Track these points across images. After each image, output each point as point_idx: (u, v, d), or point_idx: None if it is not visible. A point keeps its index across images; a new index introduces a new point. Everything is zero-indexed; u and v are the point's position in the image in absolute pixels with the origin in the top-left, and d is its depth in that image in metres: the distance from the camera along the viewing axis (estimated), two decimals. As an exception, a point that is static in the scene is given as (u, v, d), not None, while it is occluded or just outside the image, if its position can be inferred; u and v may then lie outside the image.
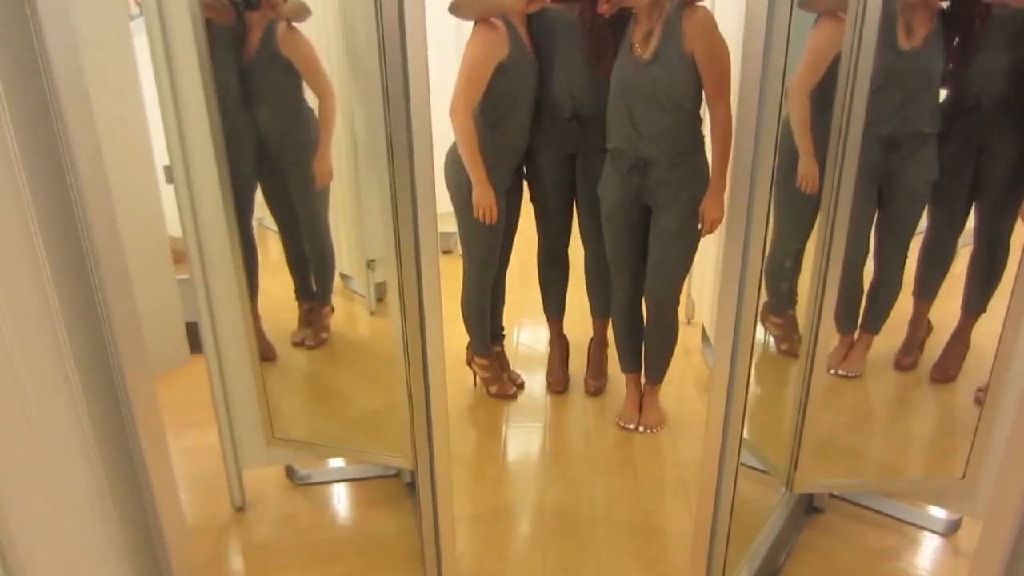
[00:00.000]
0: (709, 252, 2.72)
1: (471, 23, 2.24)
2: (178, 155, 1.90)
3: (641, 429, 2.57)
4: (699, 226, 2.22)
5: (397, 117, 1.53)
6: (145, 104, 2.51)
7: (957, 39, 2.04)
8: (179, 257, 2.63)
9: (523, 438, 2.57)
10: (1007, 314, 1.95)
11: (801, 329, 2.10)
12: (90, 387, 1.20)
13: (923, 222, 2.35)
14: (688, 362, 2.92)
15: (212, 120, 1.88)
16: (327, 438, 2.36)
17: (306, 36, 2.11)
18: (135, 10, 2.72)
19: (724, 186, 2.15)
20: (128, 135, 2.57)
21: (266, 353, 2.50)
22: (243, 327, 2.15)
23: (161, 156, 1.98)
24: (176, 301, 2.82)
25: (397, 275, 1.79)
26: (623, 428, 2.58)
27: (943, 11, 2.03)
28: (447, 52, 3.14)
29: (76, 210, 1.13)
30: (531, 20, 2.29)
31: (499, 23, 2.20)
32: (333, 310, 2.67)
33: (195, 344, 2.19)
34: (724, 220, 1.96)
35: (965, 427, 2.12)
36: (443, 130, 2.41)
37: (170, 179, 1.92)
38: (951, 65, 2.07)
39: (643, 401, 2.60)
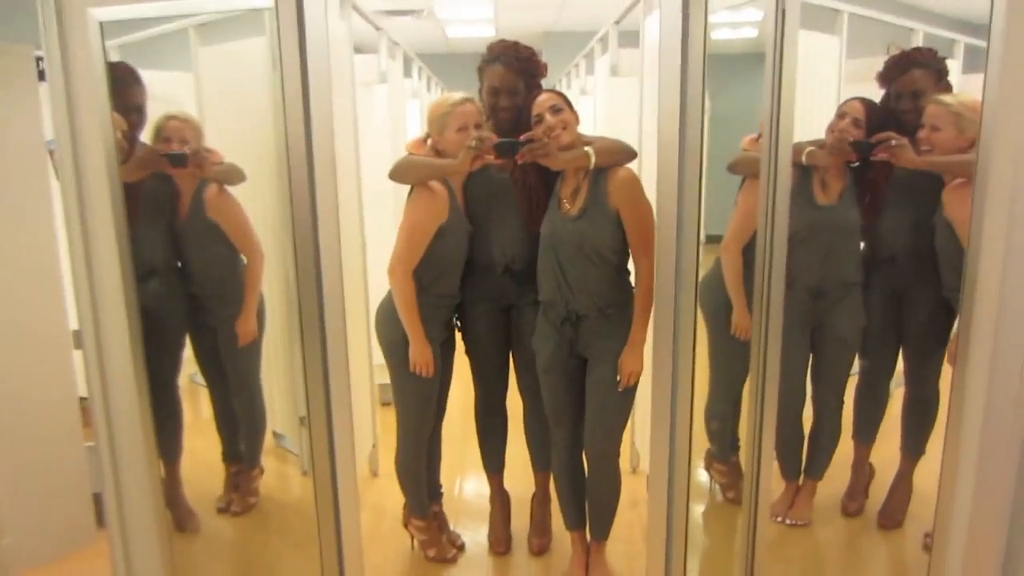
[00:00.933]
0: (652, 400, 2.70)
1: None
2: (89, 319, 1.83)
3: (589, 591, 2.43)
4: (617, 377, 2.21)
5: (306, 280, 1.53)
6: (61, 266, 2.45)
7: (868, 196, 2.15)
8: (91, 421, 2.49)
9: (464, 608, 2.41)
10: (943, 461, 1.94)
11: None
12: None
13: (857, 365, 2.39)
14: (635, 514, 2.82)
15: (126, 285, 1.83)
16: (248, 618, 2.17)
17: (235, 198, 2.12)
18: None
19: (643, 339, 2.17)
20: (42, 297, 2.49)
21: (186, 523, 2.33)
22: (151, 498, 2.00)
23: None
24: (83, 471, 2.62)
25: (309, 443, 1.74)
26: (569, 591, 2.44)
27: (854, 170, 2.16)
28: (385, 209, 3.20)
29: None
30: (468, 182, 2.34)
31: (440, 187, 2.24)
32: (262, 472, 2.53)
33: (103, 518, 2.02)
34: (654, 370, 1.95)
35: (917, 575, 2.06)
36: (377, 286, 2.41)
37: (79, 344, 1.84)
38: (864, 219, 2.18)
39: (589, 560, 2.47)
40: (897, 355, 2.32)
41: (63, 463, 2.60)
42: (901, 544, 2.40)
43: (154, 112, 1.99)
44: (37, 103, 2.35)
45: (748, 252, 2.02)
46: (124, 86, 1.84)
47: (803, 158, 2.08)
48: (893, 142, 1.96)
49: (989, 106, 1.65)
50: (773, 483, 1.99)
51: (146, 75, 1.93)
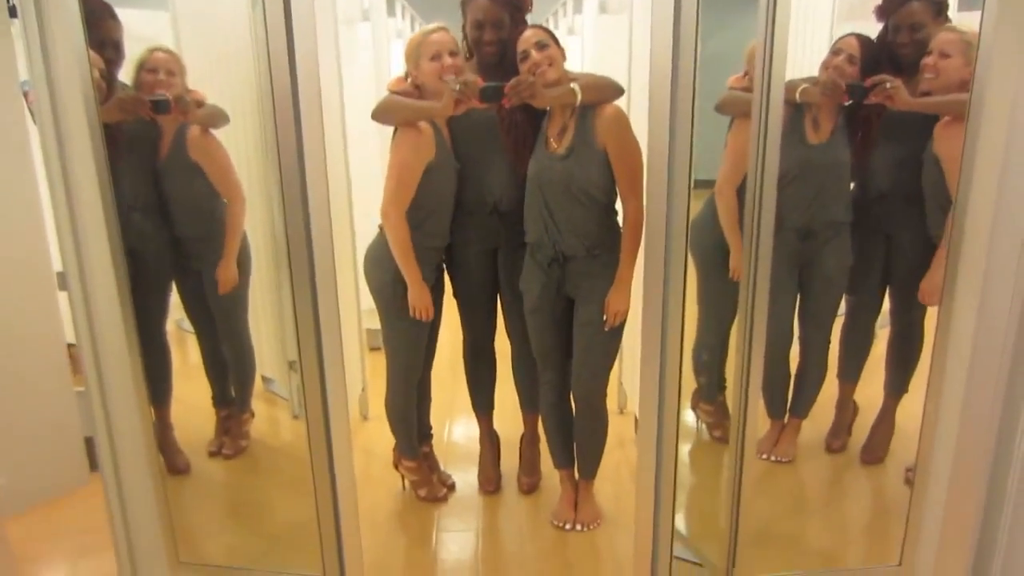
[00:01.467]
0: (639, 340, 2.71)
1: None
2: (73, 261, 1.80)
3: (577, 527, 2.48)
4: (603, 317, 2.21)
5: (294, 223, 1.51)
6: (44, 208, 2.40)
7: (860, 134, 2.13)
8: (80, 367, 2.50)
9: (455, 546, 2.45)
10: (927, 396, 1.98)
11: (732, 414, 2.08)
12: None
13: (843, 306, 2.41)
14: (623, 454, 2.87)
15: (110, 225, 1.79)
16: (242, 557, 2.20)
17: (218, 140, 2.07)
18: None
19: (630, 278, 2.17)
20: (24, 240, 2.45)
21: (178, 465, 2.34)
22: (143, 441, 2.00)
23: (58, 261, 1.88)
24: (74, 415, 2.63)
25: (300, 382, 1.74)
26: (558, 527, 2.49)
27: (846, 108, 2.13)
28: (370, 151, 3.14)
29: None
30: (452, 119, 2.30)
31: (425, 124, 2.20)
32: (253, 415, 2.54)
33: (95, 461, 2.03)
34: (643, 311, 1.95)
35: (898, 509, 2.12)
36: (364, 229, 2.38)
37: (63, 286, 1.81)
38: (855, 158, 2.17)
39: (578, 498, 2.52)
40: (884, 294, 2.33)
41: (54, 408, 2.60)
42: (882, 479, 2.46)
43: (131, 52, 1.92)
44: (9, 41, 2.27)
45: (741, 193, 2.00)
46: (99, 21, 1.77)
47: (796, 96, 2.05)
48: (888, 85, 1.93)
49: (985, 44, 1.63)
50: (759, 422, 2.01)
51: (120, 14, 1.86)
